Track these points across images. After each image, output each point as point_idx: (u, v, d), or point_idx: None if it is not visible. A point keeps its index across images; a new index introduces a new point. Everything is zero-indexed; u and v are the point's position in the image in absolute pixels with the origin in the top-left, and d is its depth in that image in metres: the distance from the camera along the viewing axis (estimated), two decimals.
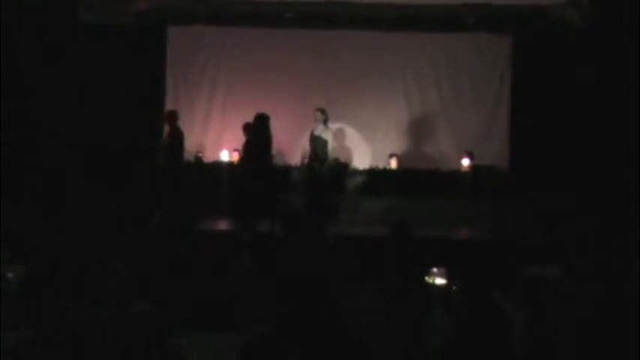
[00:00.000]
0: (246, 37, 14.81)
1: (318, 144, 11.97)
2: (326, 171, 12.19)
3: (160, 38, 14.88)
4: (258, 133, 11.61)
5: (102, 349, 2.43)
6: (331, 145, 12.17)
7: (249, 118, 13.95)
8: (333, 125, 14.10)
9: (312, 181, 12.28)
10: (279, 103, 14.34)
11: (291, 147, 13.39)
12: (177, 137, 12.82)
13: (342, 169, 13.56)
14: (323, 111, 12.12)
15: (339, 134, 14.57)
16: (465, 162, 13.59)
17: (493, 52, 14.84)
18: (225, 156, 14.20)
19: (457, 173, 13.69)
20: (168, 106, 14.68)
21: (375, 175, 13.95)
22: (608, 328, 3.58)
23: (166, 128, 13.01)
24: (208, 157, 14.34)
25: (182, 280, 4.54)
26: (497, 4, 13.84)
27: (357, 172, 13.98)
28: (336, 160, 12.93)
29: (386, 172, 14.06)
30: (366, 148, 14.86)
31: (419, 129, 14.85)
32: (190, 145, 13.92)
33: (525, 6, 13.81)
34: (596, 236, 8.97)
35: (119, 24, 14.02)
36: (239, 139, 14.32)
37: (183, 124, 13.26)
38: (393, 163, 14.28)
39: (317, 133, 12.01)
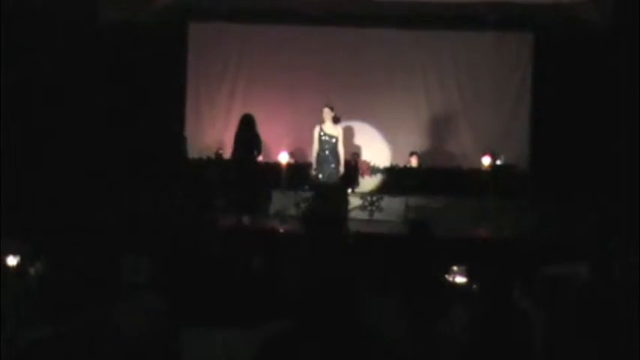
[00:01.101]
0: (267, 34, 14.82)
1: (328, 142, 11.90)
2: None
3: (181, 35, 14.91)
4: (239, 132, 12.06)
5: (117, 345, 2.43)
6: (342, 142, 12.06)
7: (270, 115, 14.00)
8: (354, 123, 14.11)
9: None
10: (300, 99, 14.38)
11: (309, 144, 13.34)
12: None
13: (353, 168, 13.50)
14: (332, 108, 12.03)
15: (360, 132, 14.58)
16: (486, 161, 13.53)
17: (514, 51, 14.78)
18: None
19: (478, 172, 13.62)
20: (190, 102, 14.72)
21: (395, 173, 13.94)
22: (632, 329, 3.55)
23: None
24: (228, 154, 14.34)
25: (200, 276, 4.54)
26: (518, 3, 13.81)
27: (377, 170, 13.96)
28: (347, 160, 12.77)
29: (406, 171, 14.03)
30: (386, 146, 14.84)
31: (439, 127, 14.82)
32: (211, 141, 13.94)
33: (546, 4, 13.74)
34: (618, 236, 8.90)
35: (140, 21, 14.06)
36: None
37: (203, 121, 13.27)
38: (414, 162, 14.24)
39: (327, 130, 11.92)
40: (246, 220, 11.51)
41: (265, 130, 14.49)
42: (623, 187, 12.19)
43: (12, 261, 5.90)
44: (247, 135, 12.07)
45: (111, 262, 5.14)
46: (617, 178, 12.44)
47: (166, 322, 2.56)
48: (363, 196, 13.12)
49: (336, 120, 12.12)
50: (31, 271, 5.75)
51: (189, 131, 14.67)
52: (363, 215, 12.84)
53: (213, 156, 14.07)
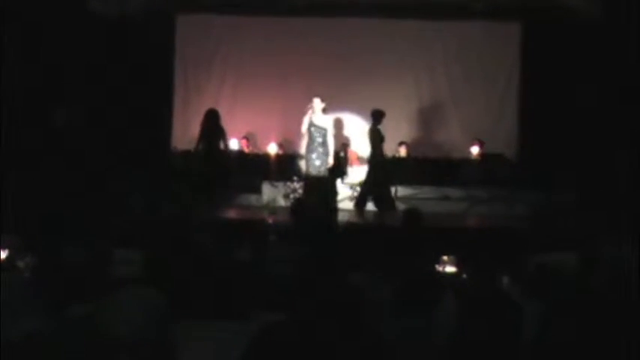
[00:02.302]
0: (255, 26, 14.80)
1: (318, 133, 11.87)
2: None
3: (169, 27, 14.87)
4: (207, 126, 12.14)
5: (109, 339, 2.43)
6: (332, 132, 12.04)
7: (258, 106, 14.00)
8: (343, 114, 14.10)
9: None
10: (288, 91, 14.38)
11: (300, 135, 13.31)
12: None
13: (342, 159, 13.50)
14: (322, 99, 11.99)
15: (349, 122, 14.60)
16: (475, 150, 13.55)
17: (502, 40, 14.81)
18: (234, 144, 14.19)
19: (467, 161, 13.65)
20: (177, 94, 14.70)
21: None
22: (622, 320, 3.55)
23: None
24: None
25: (192, 268, 4.54)
26: None
27: (366, 160, 13.95)
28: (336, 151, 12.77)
29: (395, 161, 14.03)
30: None
31: (428, 117, 14.85)
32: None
33: None
34: (608, 226, 8.94)
35: (128, 13, 14.02)
36: (248, 127, 14.36)
37: (192, 113, 13.26)
38: (403, 152, 14.25)
39: (316, 122, 11.89)
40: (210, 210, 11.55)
41: (254, 121, 14.53)
42: (614, 175, 12.23)
43: (2, 254, 5.88)
44: (212, 128, 12.15)
45: (101, 255, 5.13)
46: (607, 165, 12.48)
47: (158, 316, 2.55)
48: (352, 186, 13.12)
49: (325, 111, 12.09)
50: (21, 265, 5.73)
51: (178, 123, 14.66)
52: (353, 205, 12.85)
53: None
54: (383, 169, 12.48)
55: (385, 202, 12.29)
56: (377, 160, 12.47)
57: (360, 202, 12.44)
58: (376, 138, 12.45)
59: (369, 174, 12.47)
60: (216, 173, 12.14)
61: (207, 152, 12.14)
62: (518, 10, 14.36)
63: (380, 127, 12.47)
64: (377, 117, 12.53)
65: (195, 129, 13.20)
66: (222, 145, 12.13)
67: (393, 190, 12.71)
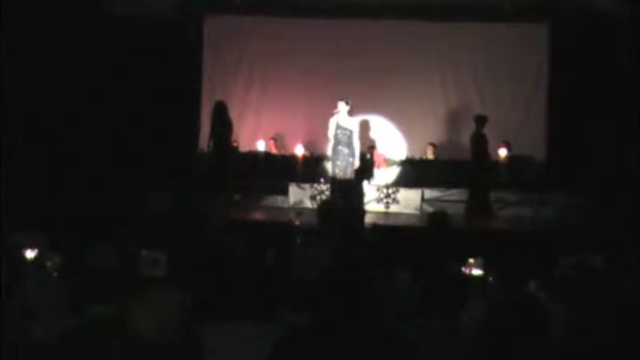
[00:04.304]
0: (282, 27, 14.81)
1: (343, 135, 11.87)
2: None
3: (197, 28, 14.93)
4: (214, 118, 12.53)
5: (134, 339, 2.44)
6: (357, 134, 12.03)
7: (285, 107, 14.05)
8: (370, 115, 14.09)
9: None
10: (315, 92, 14.37)
11: (325, 136, 13.31)
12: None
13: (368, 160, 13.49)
14: (347, 101, 11.98)
15: (376, 124, 14.59)
16: (502, 152, 13.49)
17: (530, 42, 14.71)
18: (261, 146, 14.22)
19: (494, 163, 13.59)
20: (205, 96, 14.75)
21: (411, 165, 13.92)
22: None
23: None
24: (244, 147, 14.34)
25: (218, 269, 4.55)
26: None
27: (392, 162, 13.93)
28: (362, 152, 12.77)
29: (422, 163, 14.01)
30: (402, 138, 14.83)
31: (456, 119, 14.78)
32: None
33: None
34: (636, 227, 8.85)
35: (156, 15, 14.09)
36: (275, 128, 14.36)
37: None
38: (430, 153, 14.22)
39: (342, 123, 11.88)
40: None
41: (281, 123, 14.53)
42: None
43: (30, 254, 5.92)
44: (220, 119, 12.48)
45: (128, 255, 5.15)
46: (635, 168, 12.37)
47: (184, 316, 2.56)
48: (379, 188, 13.11)
49: (350, 113, 12.07)
50: (49, 264, 5.77)
51: (205, 124, 14.71)
52: (379, 207, 12.85)
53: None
54: (487, 174, 12.51)
55: (482, 207, 12.32)
56: (483, 165, 12.48)
57: (472, 206, 12.47)
58: (481, 143, 12.46)
59: (474, 178, 12.50)
60: (226, 169, 12.35)
61: (216, 147, 12.39)
62: (546, 10, 14.27)
63: (485, 131, 12.52)
64: (481, 122, 12.57)
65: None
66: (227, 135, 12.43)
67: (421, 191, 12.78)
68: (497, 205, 12.74)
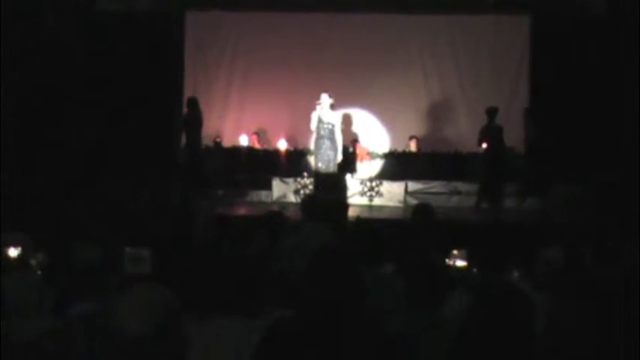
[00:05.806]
0: (263, 22, 14.79)
1: (326, 129, 11.88)
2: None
3: (178, 24, 14.89)
4: (187, 113, 12.90)
5: (120, 336, 2.44)
6: (339, 128, 12.06)
7: (268, 102, 14.04)
8: (352, 109, 14.11)
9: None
10: (298, 87, 14.36)
11: (308, 130, 13.31)
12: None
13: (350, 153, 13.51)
14: (330, 95, 12.00)
15: (358, 118, 14.60)
16: (484, 144, 13.51)
17: (512, 34, 14.74)
18: (244, 140, 14.22)
19: (476, 155, 13.63)
20: (187, 91, 14.72)
21: (394, 158, 13.94)
22: (633, 314, 3.55)
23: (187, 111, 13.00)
24: (227, 142, 14.34)
25: (201, 264, 4.55)
26: None
27: (375, 155, 13.96)
28: (345, 146, 12.80)
29: (405, 156, 14.04)
30: (385, 131, 14.84)
31: (438, 111, 14.82)
32: (209, 130, 13.93)
33: None
34: (616, 219, 8.92)
35: (137, 10, 14.06)
36: (258, 123, 14.36)
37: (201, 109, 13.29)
38: (413, 146, 14.25)
39: (324, 117, 11.91)
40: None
41: (263, 117, 14.52)
42: (622, 168, 12.20)
43: (13, 252, 5.89)
44: (190, 116, 12.81)
45: (112, 252, 5.15)
46: (616, 160, 12.45)
47: (169, 313, 2.56)
48: (362, 181, 13.14)
49: (333, 106, 12.10)
50: (33, 262, 5.74)
51: None
52: (363, 200, 12.86)
53: (211, 144, 14.05)
54: (502, 165, 12.53)
55: (494, 198, 12.33)
56: (496, 157, 12.50)
57: (480, 199, 12.48)
58: (495, 134, 12.47)
59: (486, 169, 12.53)
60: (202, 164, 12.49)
61: (188, 143, 12.70)
62: (528, 2, 14.31)
63: (497, 123, 12.53)
64: (492, 113, 12.57)
65: (205, 126, 13.25)
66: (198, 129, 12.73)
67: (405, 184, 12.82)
68: (479, 196, 12.77)
